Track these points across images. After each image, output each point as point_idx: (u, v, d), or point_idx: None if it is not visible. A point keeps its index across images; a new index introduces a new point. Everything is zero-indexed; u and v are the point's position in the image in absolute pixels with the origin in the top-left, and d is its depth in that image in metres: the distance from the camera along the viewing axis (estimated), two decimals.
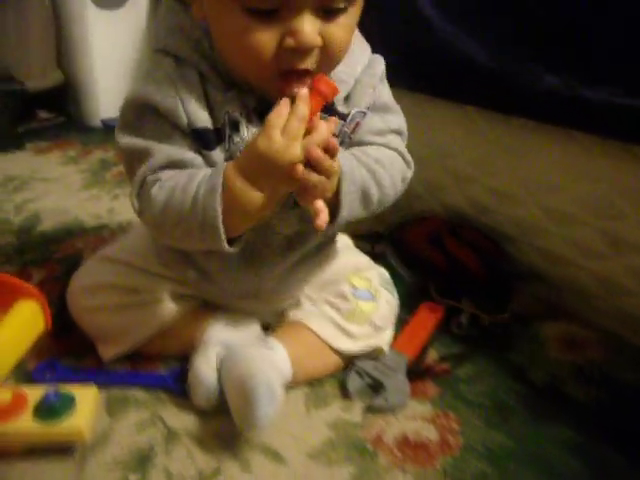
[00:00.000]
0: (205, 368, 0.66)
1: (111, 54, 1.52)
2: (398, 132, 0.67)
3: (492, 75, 0.80)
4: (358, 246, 0.86)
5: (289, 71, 0.54)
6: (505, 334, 0.82)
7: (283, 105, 0.53)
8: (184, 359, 0.72)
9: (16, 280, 0.65)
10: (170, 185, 0.57)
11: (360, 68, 0.63)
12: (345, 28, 0.55)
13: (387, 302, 0.76)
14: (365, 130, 0.64)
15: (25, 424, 0.59)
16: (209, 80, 0.58)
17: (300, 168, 0.52)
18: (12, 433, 0.59)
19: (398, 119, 0.68)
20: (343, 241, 0.82)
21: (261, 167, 0.53)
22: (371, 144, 0.65)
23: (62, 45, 1.52)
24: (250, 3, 0.51)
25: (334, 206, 0.58)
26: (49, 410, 0.59)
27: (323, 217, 0.55)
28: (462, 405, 0.70)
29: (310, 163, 0.53)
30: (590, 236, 0.80)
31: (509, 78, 0.78)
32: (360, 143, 0.65)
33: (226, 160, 0.59)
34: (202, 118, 0.58)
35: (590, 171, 0.77)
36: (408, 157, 0.67)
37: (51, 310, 0.63)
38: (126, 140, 0.59)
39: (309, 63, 0.54)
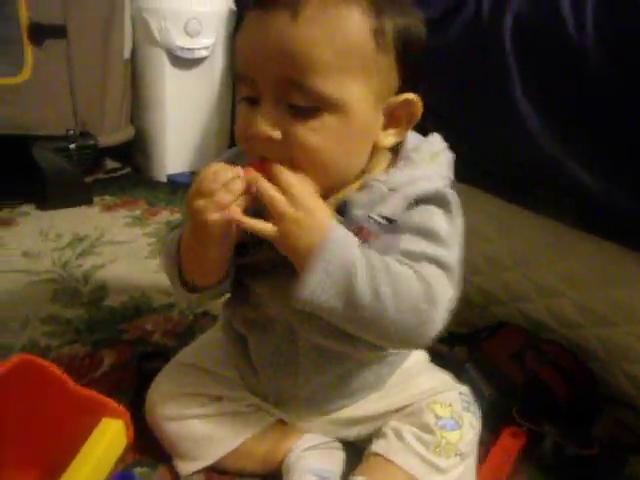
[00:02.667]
0: None
1: (184, 112, 1.54)
2: (436, 262, 0.57)
3: (593, 198, 0.76)
4: (435, 348, 0.83)
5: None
6: (595, 468, 0.77)
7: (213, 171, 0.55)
8: (264, 478, 0.70)
9: (104, 399, 0.64)
10: (168, 241, 0.66)
11: (404, 180, 0.59)
12: (318, 133, 0.54)
13: (471, 426, 0.72)
14: (398, 249, 0.57)
15: None
16: None
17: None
18: None
19: (444, 252, 0.57)
20: (417, 357, 0.78)
21: (191, 221, 0.57)
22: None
23: (137, 100, 1.54)
24: (244, 88, 0.57)
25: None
26: None
27: (244, 219, 0.54)
28: None
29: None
30: None
31: (612, 204, 0.75)
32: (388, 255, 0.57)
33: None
34: None
35: None
36: (436, 294, 0.55)
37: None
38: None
39: (268, 153, 0.55)
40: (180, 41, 1.45)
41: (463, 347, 0.95)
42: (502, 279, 0.98)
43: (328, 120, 0.54)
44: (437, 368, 0.79)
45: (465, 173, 0.91)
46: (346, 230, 0.56)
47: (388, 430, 0.70)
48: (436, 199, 0.59)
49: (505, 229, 0.94)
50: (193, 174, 1.59)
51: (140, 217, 1.38)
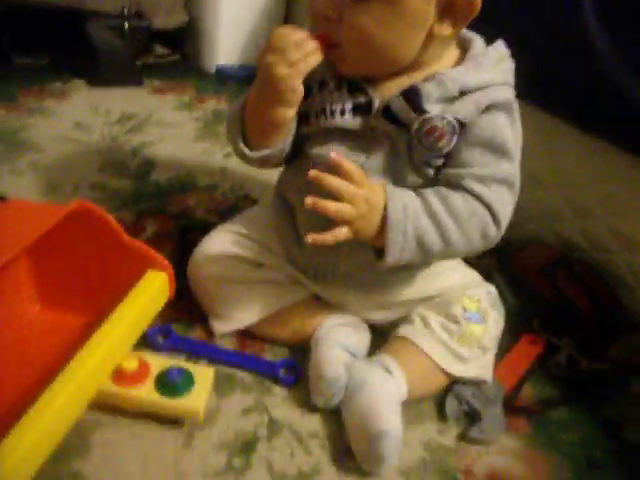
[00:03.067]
0: (333, 366, 0.67)
1: (238, 4, 1.51)
2: (504, 182, 0.62)
3: None
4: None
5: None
6: (602, 383, 0.80)
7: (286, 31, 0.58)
8: (290, 348, 0.75)
9: (151, 251, 0.67)
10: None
11: (474, 83, 0.60)
12: (366, 15, 0.57)
13: (495, 322, 0.75)
14: (468, 171, 0.62)
15: (146, 394, 0.62)
16: None
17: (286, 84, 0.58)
18: (133, 399, 0.62)
19: (511, 167, 0.63)
20: None
21: (260, 78, 0.61)
22: (465, 189, 0.62)
23: None
24: None
25: (381, 249, 0.61)
26: (170, 385, 0.62)
27: (320, 237, 0.58)
28: (553, 450, 0.70)
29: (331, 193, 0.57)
30: None
31: None
32: (456, 180, 0.62)
33: (300, 114, 0.65)
34: None
35: None
36: (500, 216, 0.62)
37: None
38: None
39: (327, 30, 0.59)
40: None
41: (491, 257, 0.97)
42: (539, 196, 0.98)
43: (381, 4, 0.56)
44: (468, 267, 0.82)
45: (519, 84, 0.90)
46: (400, 194, 0.61)
47: (415, 317, 0.74)
48: (505, 107, 0.61)
49: (549, 145, 0.93)
50: (242, 67, 1.58)
51: (188, 103, 1.39)
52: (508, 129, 0.62)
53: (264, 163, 0.68)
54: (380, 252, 0.62)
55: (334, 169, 0.58)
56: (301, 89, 0.60)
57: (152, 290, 0.66)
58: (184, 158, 1.15)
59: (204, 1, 1.52)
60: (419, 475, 0.64)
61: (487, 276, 0.89)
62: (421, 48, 0.60)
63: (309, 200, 0.57)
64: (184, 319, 0.78)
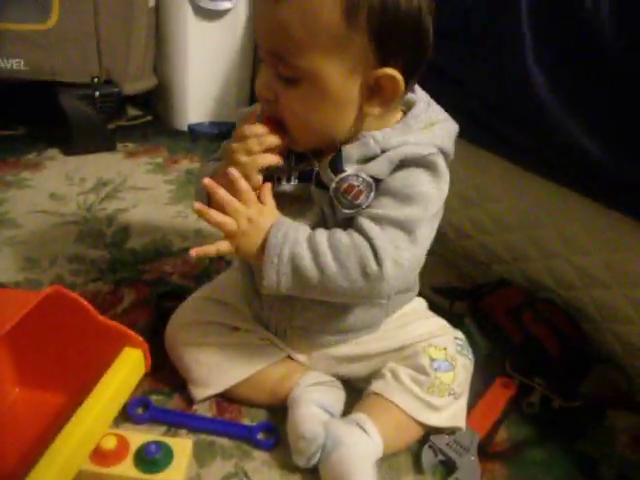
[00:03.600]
0: (310, 425, 0.69)
1: (206, 63, 1.57)
2: (400, 225, 0.63)
3: (598, 166, 0.79)
4: (436, 301, 0.90)
5: None
6: (576, 420, 0.83)
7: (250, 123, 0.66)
8: (268, 410, 0.78)
9: (126, 330, 0.70)
10: (200, 171, 0.76)
11: (395, 143, 0.64)
12: (297, 99, 0.62)
13: (463, 367, 0.78)
14: (365, 210, 0.65)
15: (126, 471, 0.64)
16: None
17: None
18: (113, 476, 0.64)
19: (413, 214, 0.63)
20: (416, 304, 0.84)
21: (226, 160, 0.68)
22: (356, 225, 0.65)
23: (160, 50, 1.56)
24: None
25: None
26: (150, 461, 0.64)
27: (202, 249, 0.64)
28: None
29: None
30: None
31: (615, 173, 0.78)
32: (353, 218, 0.65)
33: None
34: None
35: None
36: (383, 254, 0.62)
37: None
38: None
39: (268, 111, 0.65)
40: None
41: (463, 303, 1.01)
42: (505, 239, 1.02)
43: (304, 89, 0.61)
44: (434, 315, 0.85)
45: (475, 134, 0.95)
46: (289, 224, 0.65)
47: (386, 371, 0.76)
48: (422, 163, 0.65)
49: (512, 191, 0.98)
50: (213, 124, 1.63)
51: (161, 164, 1.43)
52: (423, 183, 0.64)
53: None
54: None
55: (231, 186, 0.64)
56: (257, 178, 0.65)
57: (128, 367, 0.68)
58: (158, 222, 1.18)
59: (172, 64, 1.57)
60: None
61: (459, 321, 0.93)
62: (356, 123, 0.65)
63: (197, 205, 0.63)
64: (164, 389, 0.80)
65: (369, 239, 0.62)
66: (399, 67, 0.60)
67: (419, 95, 0.70)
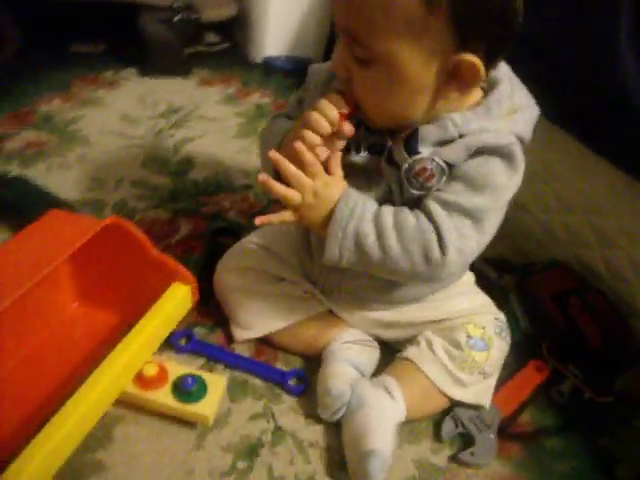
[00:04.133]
0: (339, 383, 0.73)
1: None
2: (468, 213, 0.63)
3: None
4: (485, 272, 0.91)
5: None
6: (604, 416, 0.83)
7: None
8: (303, 359, 0.82)
9: (177, 265, 0.75)
10: (269, 127, 0.78)
11: (474, 128, 0.63)
12: (370, 79, 0.61)
13: (499, 349, 0.80)
14: (435, 194, 0.64)
15: (164, 398, 0.70)
16: None
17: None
18: (152, 402, 0.70)
19: (484, 204, 0.63)
20: (464, 278, 0.85)
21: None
22: (424, 207, 0.65)
23: None
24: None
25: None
26: (185, 393, 0.69)
27: (266, 218, 0.66)
28: (540, 478, 0.74)
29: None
30: None
31: None
32: (420, 200, 0.65)
33: None
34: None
35: None
36: (448, 242, 0.62)
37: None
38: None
39: (342, 85, 0.64)
40: None
41: (511, 277, 1.00)
42: (565, 220, 1.00)
43: (379, 71, 0.60)
44: (480, 291, 0.86)
45: (553, 111, 0.92)
46: (357, 197, 0.65)
47: (422, 339, 0.79)
48: (499, 152, 0.63)
49: (579, 172, 0.95)
50: (289, 59, 1.62)
51: (233, 95, 1.45)
52: (499, 173, 0.63)
53: None
54: None
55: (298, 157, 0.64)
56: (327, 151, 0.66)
57: (175, 302, 0.73)
58: (223, 156, 1.22)
59: None
60: None
61: (504, 296, 0.94)
62: (433, 105, 0.63)
63: (261, 177, 0.65)
64: (207, 323, 0.85)
65: (436, 225, 0.63)
66: (481, 51, 0.58)
67: (502, 72, 0.67)
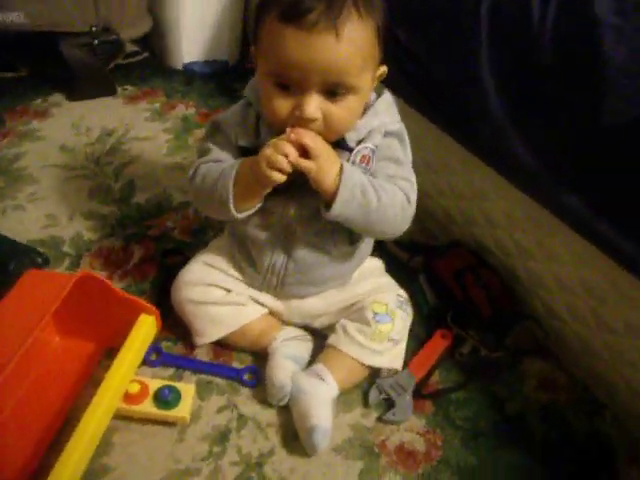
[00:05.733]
0: (281, 376, 0.95)
1: (199, 2, 1.69)
2: (407, 180, 0.93)
3: (531, 169, 1.00)
4: (397, 255, 1.19)
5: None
6: (496, 368, 1.10)
7: (276, 143, 0.81)
8: (254, 356, 1.05)
9: (141, 302, 0.95)
10: (207, 170, 0.91)
11: (376, 123, 0.90)
12: (344, 109, 0.82)
13: (401, 319, 1.03)
14: (381, 173, 0.91)
15: (148, 408, 0.91)
16: (262, 119, 0.90)
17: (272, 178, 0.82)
18: (139, 412, 0.91)
19: (408, 172, 0.94)
20: (372, 262, 1.10)
21: (252, 172, 0.84)
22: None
23: None
24: (276, 79, 0.80)
25: (331, 197, 0.84)
26: (164, 401, 0.91)
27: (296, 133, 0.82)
28: (448, 425, 1.00)
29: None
30: (581, 308, 1.04)
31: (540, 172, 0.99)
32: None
33: None
34: (246, 140, 0.91)
35: (592, 260, 1.00)
36: (412, 198, 0.92)
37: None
38: (204, 140, 0.97)
39: (312, 127, 0.82)
40: None
41: (420, 258, 1.25)
42: (459, 205, 1.25)
43: (352, 100, 0.82)
44: (384, 274, 1.11)
45: (440, 120, 1.15)
46: (351, 164, 0.88)
47: (339, 327, 1.02)
48: (397, 134, 0.93)
49: (468, 165, 1.19)
50: (207, 63, 1.79)
51: (159, 111, 1.61)
52: (400, 149, 0.93)
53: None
54: (328, 207, 0.85)
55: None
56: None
57: (144, 330, 0.94)
58: (159, 176, 1.39)
59: (166, 3, 1.70)
60: (347, 450, 0.95)
61: (414, 277, 1.19)
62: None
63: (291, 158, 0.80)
64: (171, 336, 1.06)
65: (402, 189, 0.91)
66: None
67: None
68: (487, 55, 1.03)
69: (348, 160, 0.88)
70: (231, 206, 0.88)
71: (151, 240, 1.24)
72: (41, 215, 1.26)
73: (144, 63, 1.78)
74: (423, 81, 1.17)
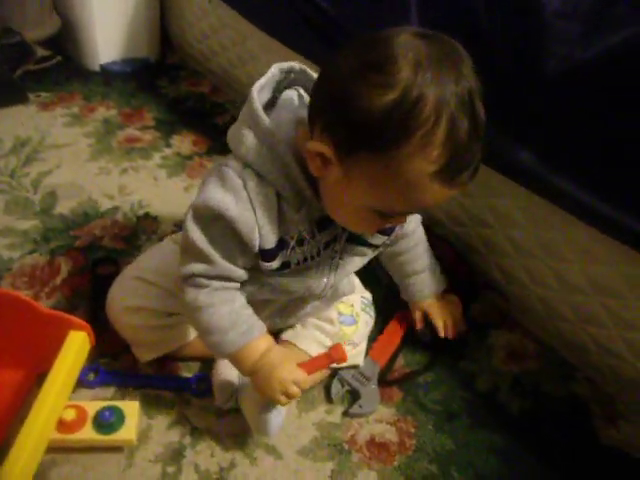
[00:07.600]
0: (227, 373, 0.89)
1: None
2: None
3: None
4: None
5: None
6: (462, 344, 1.04)
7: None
8: (201, 362, 0.97)
9: (68, 317, 0.86)
10: (214, 306, 0.76)
11: None
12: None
13: (365, 323, 0.99)
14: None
15: (87, 435, 0.82)
16: (285, 199, 0.71)
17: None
18: (77, 441, 0.82)
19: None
20: None
21: (265, 377, 0.78)
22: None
23: None
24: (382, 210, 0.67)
25: None
26: (106, 425, 0.82)
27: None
28: (419, 410, 0.94)
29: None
30: (542, 270, 1.00)
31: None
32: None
33: (279, 266, 0.76)
34: (272, 240, 0.72)
35: (548, 218, 0.96)
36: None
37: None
38: (196, 235, 0.72)
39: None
40: None
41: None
42: None
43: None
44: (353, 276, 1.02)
45: None
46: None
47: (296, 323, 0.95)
48: None
49: None
50: (126, 62, 1.68)
51: (78, 115, 1.50)
52: None
53: None
54: None
55: None
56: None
57: (75, 349, 0.84)
58: (82, 182, 1.29)
59: (75, 3, 1.58)
60: (314, 451, 0.88)
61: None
62: None
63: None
64: (109, 352, 0.97)
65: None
66: None
67: None
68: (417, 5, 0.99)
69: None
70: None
71: (79, 251, 1.14)
72: None
73: (58, 67, 1.65)
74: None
